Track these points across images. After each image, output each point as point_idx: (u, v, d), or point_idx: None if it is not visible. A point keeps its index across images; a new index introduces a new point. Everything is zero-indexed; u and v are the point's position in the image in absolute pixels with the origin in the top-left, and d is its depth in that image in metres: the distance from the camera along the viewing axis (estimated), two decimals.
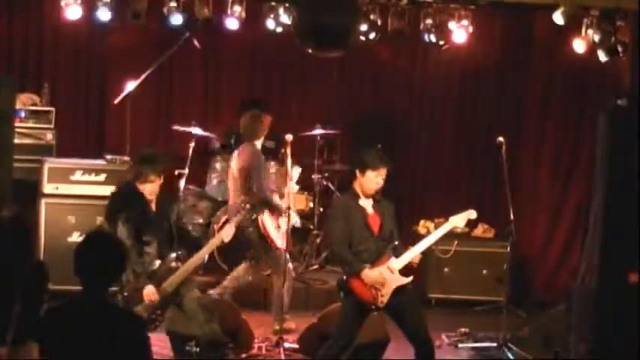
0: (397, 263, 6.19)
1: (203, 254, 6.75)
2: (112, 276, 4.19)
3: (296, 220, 8.50)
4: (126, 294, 6.46)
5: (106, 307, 4.14)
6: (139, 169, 6.62)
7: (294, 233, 8.75)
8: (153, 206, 6.64)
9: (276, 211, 7.91)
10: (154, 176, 6.57)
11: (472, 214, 6.53)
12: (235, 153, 8.09)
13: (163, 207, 6.70)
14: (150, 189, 6.58)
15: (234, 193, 7.98)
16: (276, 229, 7.85)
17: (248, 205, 7.24)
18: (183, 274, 6.56)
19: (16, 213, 6.89)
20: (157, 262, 6.56)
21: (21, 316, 4.84)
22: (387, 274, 6.13)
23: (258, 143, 8.06)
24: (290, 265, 7.93)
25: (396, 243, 6.28)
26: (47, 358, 4.07)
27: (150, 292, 6.42)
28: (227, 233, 6.81)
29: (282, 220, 7.93)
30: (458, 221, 6.49)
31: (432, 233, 6.68)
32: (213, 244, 6.84)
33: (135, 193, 6.59)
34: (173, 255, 6.61)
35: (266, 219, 7.82)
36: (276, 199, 8.05)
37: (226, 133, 9.46)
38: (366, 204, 6.29)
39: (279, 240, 7.78)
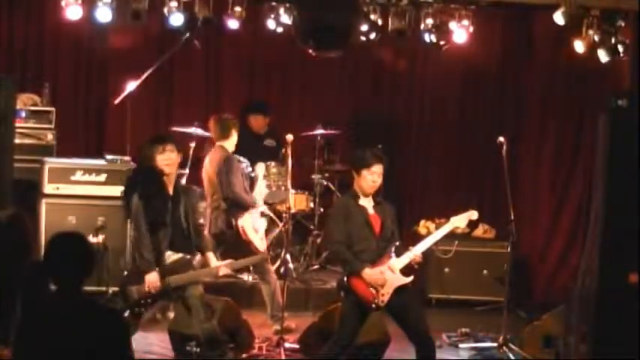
0: (398, 263, 6.19)
1: (207, 273, 6.70)
2: (85, 271, 4.17)
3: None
4: (126, 272, 6.45)
5: (83, 303, 4.13)
6: (154, 144, 6.58)
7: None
8: (170, 189, 6.61)
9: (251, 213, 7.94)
10: (170, 146, 6.55)
11: (473, 214, 6.56)
12: (207, 158, 8.06)
13: (178, 195, 6.64)
14: (168, 158, 6.52)
15: (210, 197, 7.98)
16: (255, 232, 7.88)
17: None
18: (192, 279, 6.55)
19: (12, 213, 6.90)
20: (169, 253, 6.53)
21: (21, 317, 4.83)
22: (388, 274, 6.14)
23: (230, 145, 8.00)
24: (270, 265, 8.01)
25: (397, 243, 6.29)
26: (25, 357, 4.06)
27: (153, 280, 6.38)
28: (223, 270, 6.73)
29: (261, 223, 7.99)
30: (459, 222, 6.52)
31: (432, 233, 6.69)
32: (210, 273, 6.71)
33: (153, 172, 6.55)
34: (196, 257, 6.60)
35: (245, 223, 7.82)
36: (255, 201, 8.09)
37: None
38: (367, 204, 6.29)
39: (259, 243, 7.82)
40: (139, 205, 6.43)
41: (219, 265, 6.73)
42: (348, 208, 6.26)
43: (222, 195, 7.82)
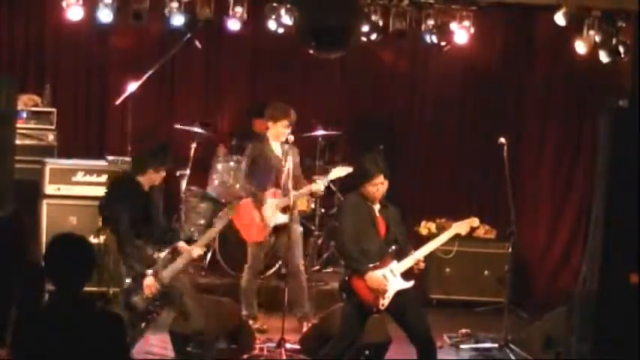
0: (399, 267, 6.19)
1: (184, 259, 6.69)
2: (86, 274, 4.18)
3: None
4: (125, 286, 6.47)
5: (82, 306, 4.14)
6: (142, 161, 6.67)
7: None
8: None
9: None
10: (160, 168, 6.63)
11: (475, 221, 6.59)
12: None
13: (153, 197, 6.75)
14: (160, 177, 6.65)
15: None
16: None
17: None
18: (177, 269, 6.56)
19: (12, 213, 6.91)
20: (156, 254, 6.56)
21: (19, 317, 4.84)
22: (390, 277, 6.13)
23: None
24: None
25: (394, 247, 6.25)
26: (23, 358, 4.06)
27: (150, 283, 6.40)
28: (196, 251, 6.75)
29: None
30: (460, 228, 6.57)
31: (434, 238, 6.67)
32: (187, 257, 6.69)
33: (135, 183, 6.61)
34: (172, 246, 6.63)
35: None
36: None
37: (229, 134, 9.53)
38: (374, 206, 6.29)
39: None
40: (126, 220, 6.45)
41: (191, 248, 6.71)
42: (358, 206, 6.26)
43: None
